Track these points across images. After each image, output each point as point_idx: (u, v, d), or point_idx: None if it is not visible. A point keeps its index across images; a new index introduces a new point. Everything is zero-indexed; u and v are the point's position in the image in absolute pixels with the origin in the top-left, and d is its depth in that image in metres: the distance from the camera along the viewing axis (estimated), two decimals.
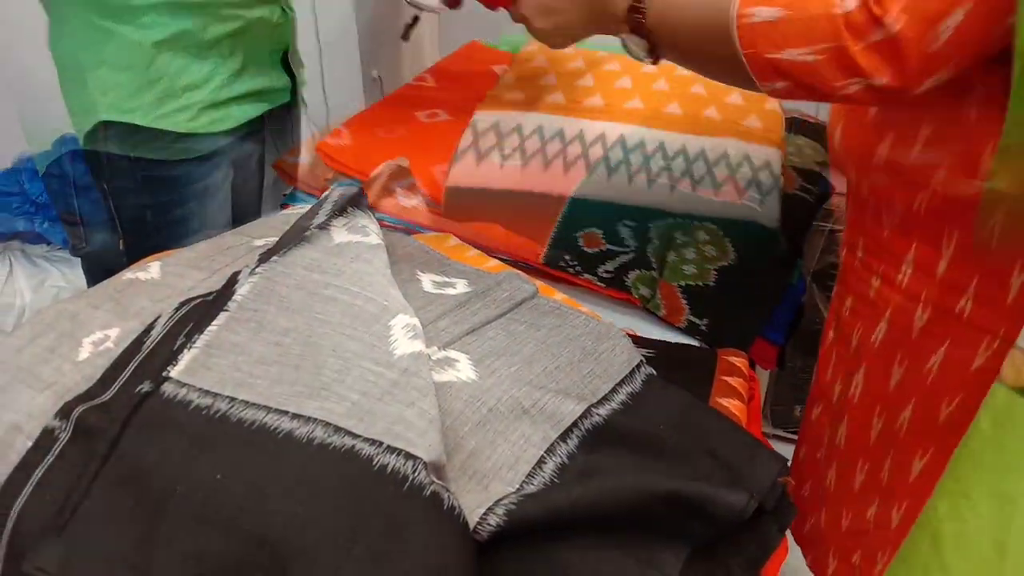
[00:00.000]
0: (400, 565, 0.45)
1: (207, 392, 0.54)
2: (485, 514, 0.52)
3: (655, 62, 0.76)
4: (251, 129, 1.20)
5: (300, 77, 1.29)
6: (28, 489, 0.54)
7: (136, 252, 1.08)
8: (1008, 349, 0.63)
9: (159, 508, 0.49)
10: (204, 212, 1.16)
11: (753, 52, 0.64)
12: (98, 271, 1.20)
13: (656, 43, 0.73)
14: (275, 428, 0.51)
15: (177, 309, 0.64)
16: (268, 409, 0.52)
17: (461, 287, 0.73)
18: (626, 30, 0.74)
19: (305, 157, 1.35)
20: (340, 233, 0.68)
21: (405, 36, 1.18)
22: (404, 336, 0.58)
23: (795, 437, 0.96)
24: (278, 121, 1.29)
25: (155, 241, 1.12)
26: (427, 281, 0.75)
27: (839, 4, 0.59)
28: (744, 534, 0.56)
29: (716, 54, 0.67)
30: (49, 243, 2.10)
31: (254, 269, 0.63)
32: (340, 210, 0.71)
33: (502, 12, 0.91)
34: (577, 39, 0.83)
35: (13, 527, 0.53)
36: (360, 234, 0.69)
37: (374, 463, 0.48)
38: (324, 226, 0.69)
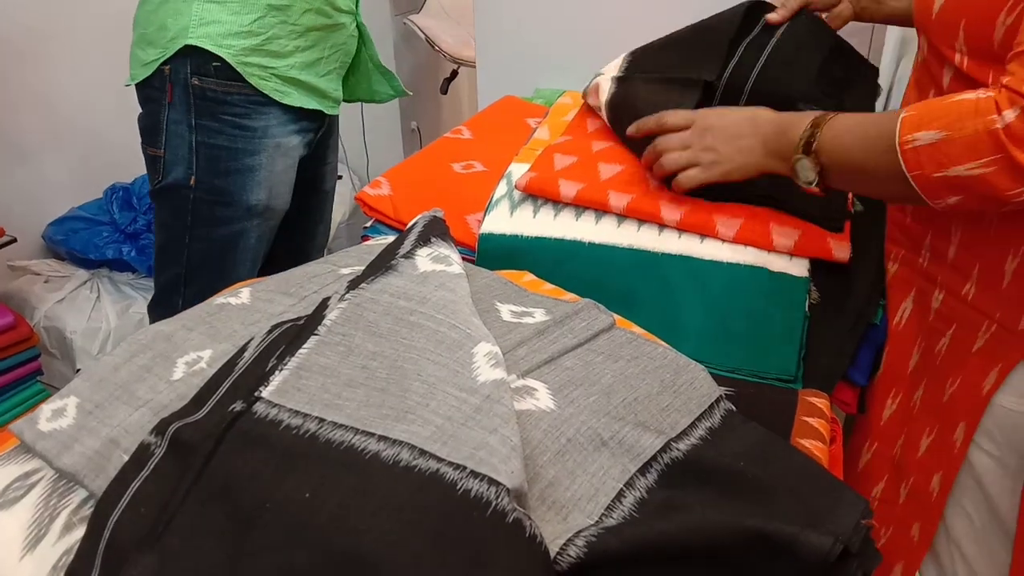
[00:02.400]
0: None
1: (297, 412, 0.56)
2: (565, 545, 0.52)
3: (823, 189, 0.81)
4: (298, 127, 1.35)
5: (388, 84, 1.51)
6: (124, 502, 0.56)
7: (203, 189, 1.26)
8: (1004, 334, 0.77)
9: (249, 523, 0.51)
10: (273, 166, 1.31)
11: (920, 174, 0.69)
12: (166, 210, 1.32)
13: (825, 167, 0.79)
14: (362, 449, 0.52)
15: (269, 332, 0.66)
16: (356, 431, 0.53)
17: (539, 316, 0.74)
18: (797, 154, 0.80)
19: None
20: (424, 262, 0.70)
21: (444, 90, 1.29)
22: (486, 364, 0.59)
23: None
24: (321, 146, 1.48)
25: (223, 182, 1.27)
26: (505, 311, 0.76)
27: (998, 119, 0.64)
28: None
29: (884, 177, 0.73)
30: (135, 271, 2.19)
31: (343, 296, 0.65)
32: (424, 240, 0.73)
33: (539, 64, 0.94)
34: (746, 173, 0.87)
35: (109, 538, 0.55)
36: (444, 263, 0.70)
37: (458, 487, 0.49)
38: (409, 255, 0.70)
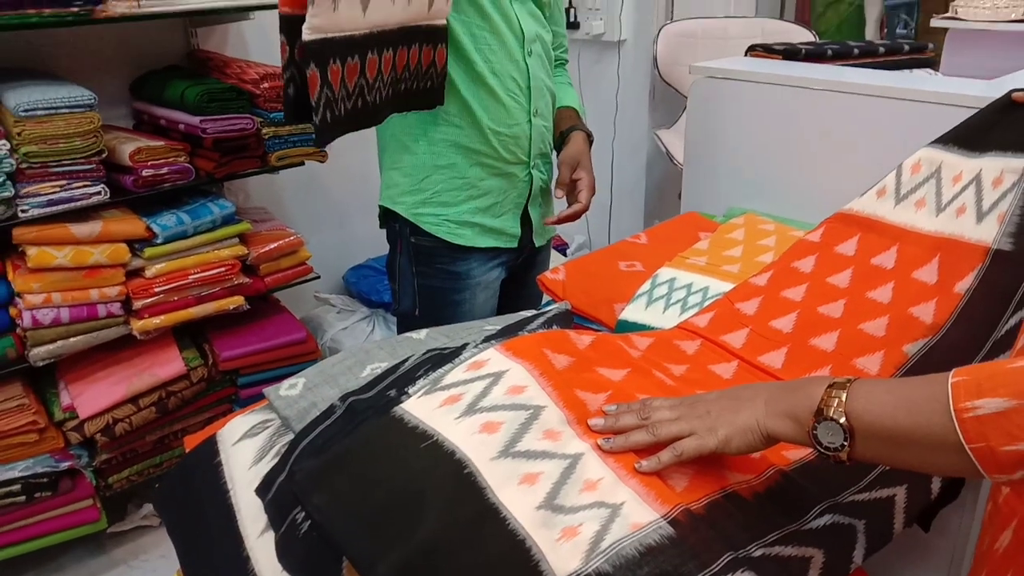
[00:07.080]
0: None
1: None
2: None
3: (846, 459, 0.70)
4: (497, 261, 1.56)
5: (541, 231, 1.64)
6: (309, 437, 0.89)
7: (425, 320, 1.49)
8: None
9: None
10: (475, 300, 1.56)
11: (984, 447, 0.60)
12: (403, 329, 1.62)
13: (856, 431, 0.68)
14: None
15: (424, 355, 0.98)
16: None
17: None
18: (823, 415, 0.70)
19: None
20: None
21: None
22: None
23: None
24: (530, 261, 1.66)
25: (438, 315, 1.51)
26: None
27: None
28: None
29: (929, 446, 0.64)
30: None
31: (478, 344, 0.96)
32: (549, 324, 1.01)
33: (735, 183, 1.07)
34: (748, 438, 0.76)
35: (296, 456, 0.88)
36: None
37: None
38: (534, 331, 0.99)
